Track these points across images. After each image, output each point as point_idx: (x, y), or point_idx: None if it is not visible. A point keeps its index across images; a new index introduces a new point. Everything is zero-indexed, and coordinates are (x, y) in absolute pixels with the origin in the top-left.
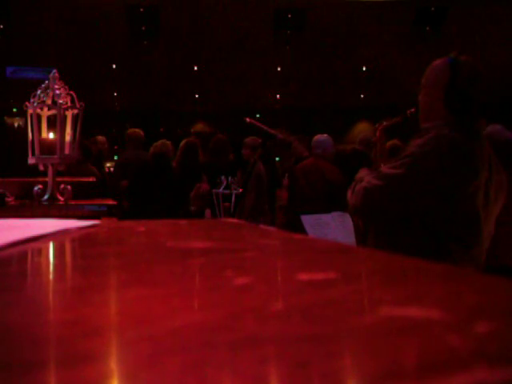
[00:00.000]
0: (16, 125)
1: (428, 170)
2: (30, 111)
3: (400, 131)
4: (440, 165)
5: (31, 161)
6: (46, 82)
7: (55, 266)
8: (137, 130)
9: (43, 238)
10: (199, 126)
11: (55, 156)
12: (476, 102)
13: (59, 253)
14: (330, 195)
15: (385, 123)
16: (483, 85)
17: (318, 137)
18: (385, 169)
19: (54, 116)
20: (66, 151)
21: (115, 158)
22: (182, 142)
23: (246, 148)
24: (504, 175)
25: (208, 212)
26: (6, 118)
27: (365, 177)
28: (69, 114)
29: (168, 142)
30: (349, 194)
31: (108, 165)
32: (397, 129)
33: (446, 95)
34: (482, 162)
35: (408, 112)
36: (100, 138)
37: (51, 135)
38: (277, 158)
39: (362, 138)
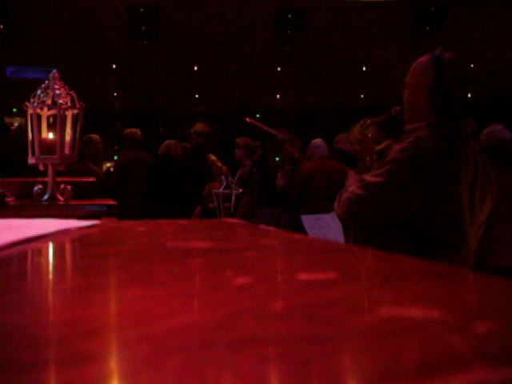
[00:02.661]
0: (16, 125)
1: (408, 176)
2: (30, 111)
3: (396, 131)
4: (419, 170)
5: (31, 161)
6: (46, 82)
7: (55, 266)
8: (134, 130)
9: (43, 237)
10: (199, 126)
11: (55, 156)
12: (460, 101)
13: (59, 253)
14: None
15: (369, 121)
16: (468, 84)
17: (317, 140)
18: (367, 177)
19: (54, 116)
20: (66, 151)
21: (115, 158)
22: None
23: (238, 148)
24: (492, 175)
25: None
26: (6, 117)
27: (350, 185)
28: (69, 113)
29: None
30: (336, 203)
31: (108, 165)
32: (395, 129)
33: (430, 94)
34: (464, 163)
35: (393, 110)
36: (94, 136)
37: (51, 135)
38: (277, 158)
39: (340, 138)
